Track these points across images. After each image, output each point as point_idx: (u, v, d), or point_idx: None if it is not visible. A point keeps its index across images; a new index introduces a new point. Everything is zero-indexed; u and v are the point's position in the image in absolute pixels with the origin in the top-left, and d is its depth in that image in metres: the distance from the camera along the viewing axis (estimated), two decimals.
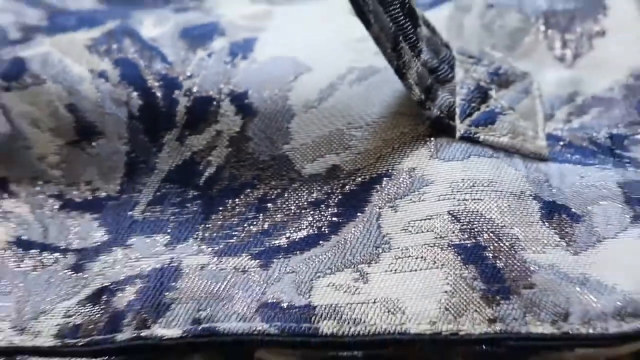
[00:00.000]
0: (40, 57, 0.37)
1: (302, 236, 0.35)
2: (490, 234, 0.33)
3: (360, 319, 0.32)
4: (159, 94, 0.36)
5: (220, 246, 0.35)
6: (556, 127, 0.37)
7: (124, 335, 0.32)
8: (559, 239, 0.33)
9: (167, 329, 0.32)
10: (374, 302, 0.32)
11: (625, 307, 0.31)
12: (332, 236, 0.34)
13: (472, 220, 0.33)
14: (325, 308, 0.32)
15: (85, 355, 0.33)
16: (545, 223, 0.33)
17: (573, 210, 0.34)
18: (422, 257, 0.33)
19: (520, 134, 0.36)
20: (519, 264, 0.32)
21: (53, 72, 0.36)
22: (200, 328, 0.32)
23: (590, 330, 0.31)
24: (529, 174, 0.35)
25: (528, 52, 0.39)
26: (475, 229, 0.33)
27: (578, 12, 0.40)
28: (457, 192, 0.34)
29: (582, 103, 0.37)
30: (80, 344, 0.33)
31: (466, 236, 0.33)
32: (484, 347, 0.32)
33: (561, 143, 0.36)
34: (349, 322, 0.32)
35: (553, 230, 0.33)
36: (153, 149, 0.36)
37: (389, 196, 0.35)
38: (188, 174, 0.36)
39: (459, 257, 0.33)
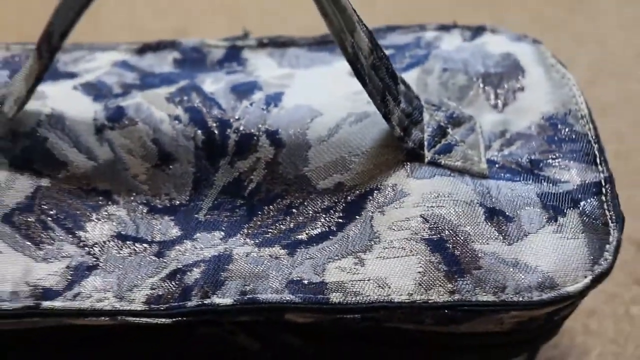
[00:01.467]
0: (134, 106, 0.36)
1: (317, 232, 0.33)
2: (450, 231, 0.32)
3: (359, 292, 0.31)
4: (216, 132, 0.35)
5: (260, 240, 0.33)
6: (492, 155, 0.35)
7: (192, 302, 0.31)
8: (497, 234, 0.32)
9: (222, 299, 0.31)
10: (369, 280, 0.31)
11: (544, 282, 0.31)
12: (339, 233, 0.33)
13: (437, 221, 0.32)
14: (334, 284, 0.31)
15: (165, 316, 0.31)
16: (488, 223, 0.32)
17: (507, 213, 0.33)
18: (402, 248, 0.32)
19: (469, 160, 0.34)
20: (470, 252, 0.31)
21: (143, 117, 0.35)
22: (246, 298, 0.31)
23: (520, 299, 0.31)
24: (476, 187, 0.33)
25: (472, 102, 0.38)
26: (439, 228, 0.32)
27: (505, 74, 0.38)
28: (426, 201, 0.33)
29: (510, 137, 0.36)
30: (161, 308, 0.31)
31: (433, 232, 0.32)
32: (446, 311, 0.31)
33: (496, 166, 0.35)
34: (351, 294, 0.31)
35: (493, 228, 0.32)
36: (212, 170, 0.35)
37: (378, 204, 0.33)
38: (236, 188, 0.35)
39: (428, 247, 0.31)
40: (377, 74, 0.32)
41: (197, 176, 0.35)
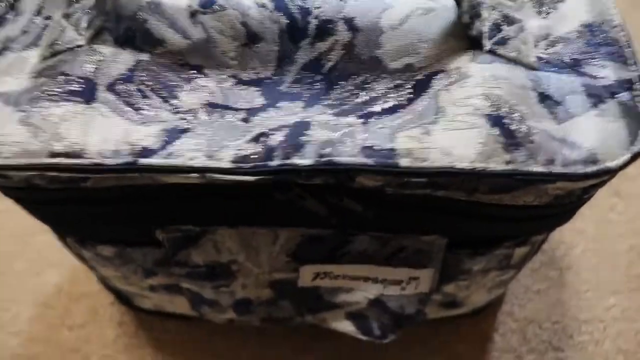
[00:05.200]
0: None
1: (390, 106, 0.32)
2: (508, 108, 0.31)
3: (426, 158, 0.30)
4: (298, 17, 0.34)
5: (337, 110, 0.32)
6: (539, 52, 0.35)
7: (274, 162, 0.31)
8: (548, 114, 0.31)
9: (302, 160, 0.30)
10: (435, 148, 0.30)
11: (588, 157, 0.30)
12: (408, 107, 0.32)
13: (496, 99, 0.31)
14: (403, 150, 0.30)
15: (250, 174, 0.31)
16: (540, 104, 0.31)
17: (556, 98, 0.32)
18: (465, 121, 0.31)
19: (521, 52, 0.34)
20: (524, 128, 0.30)
21: (232, 4, 0.34)
22: (323, 160, 0.30)
23: (567, 171, 0.30)
24: (528, 75, 0.33)
25: (520, 8, 0.36)
26: (498, 105, 0.31)
27: None
28: (487, 82, 0.32)
29: (553, 40, 0.35)
30: (246, 167, 0.31)
31: (493, 109, 0.31)
32: (502, 179, 0.30)
33: (544, 61, 0.34)
34: (418, 160, 0.30)
35: (545, 109, 0.31)
36: (294, 49, 0.34)
37: (444, 83, 0.32)
38: (316, 66, 0.33)
39: (489, 122, 0.31)
40: None
41: (280, 54, 0.34)
